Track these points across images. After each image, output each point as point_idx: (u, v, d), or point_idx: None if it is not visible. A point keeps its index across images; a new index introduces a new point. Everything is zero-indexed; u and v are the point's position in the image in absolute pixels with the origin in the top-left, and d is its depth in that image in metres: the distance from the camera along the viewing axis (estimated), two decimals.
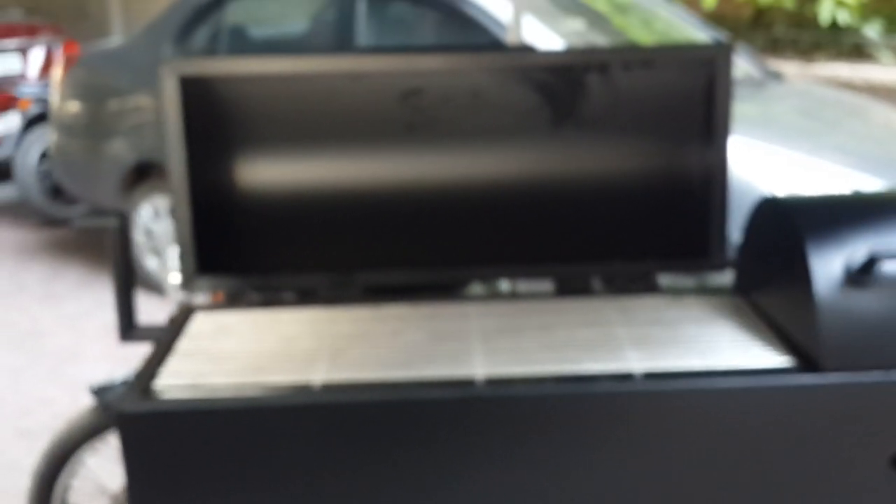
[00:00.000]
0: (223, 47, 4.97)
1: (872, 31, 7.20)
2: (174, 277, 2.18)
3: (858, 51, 7.09)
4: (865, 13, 7.37)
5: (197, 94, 1.84)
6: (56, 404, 3.93)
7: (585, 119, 1.91)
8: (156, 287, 5.18)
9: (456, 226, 1.93)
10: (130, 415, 1.48)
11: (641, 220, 1.94)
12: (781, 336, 1.68)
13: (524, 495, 1.54)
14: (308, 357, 1.64)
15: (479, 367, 1.59)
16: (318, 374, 1.57)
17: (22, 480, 3.19)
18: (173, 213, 1.90)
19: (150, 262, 5.17)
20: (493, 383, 1.54)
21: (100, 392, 2.42)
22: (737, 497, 1.57)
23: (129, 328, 1.93)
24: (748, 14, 7.85)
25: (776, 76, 4.86)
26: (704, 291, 1.92)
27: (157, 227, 5.10)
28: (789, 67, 6.57)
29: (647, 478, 1.55)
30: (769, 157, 3.66)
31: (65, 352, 4.45)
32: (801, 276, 1.58)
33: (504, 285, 2.24)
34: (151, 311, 5.01)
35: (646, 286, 1.95)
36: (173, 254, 5.00)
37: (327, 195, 1.91)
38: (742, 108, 4.16)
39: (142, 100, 5.04)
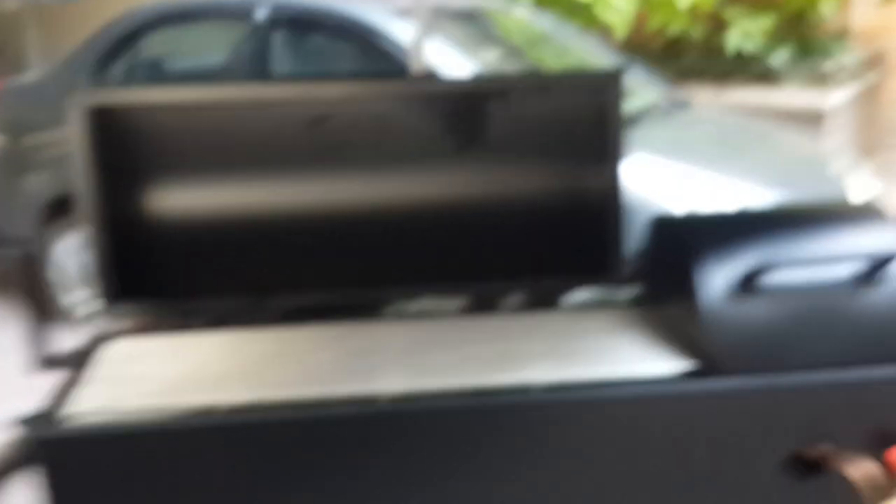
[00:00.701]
0: (140, 80, 4.98)
1: (777, 58, 7.48)
2: (83, 307, 2.20)
3: (766, 77, 7.36)
4: (772, 41, 7.66)
5: (106, 124, 1.86)
6: None
7: (488, 143, 1.98)
8: (72, 321, 5.13)
9: (368, 248, 1.98)
10: (42, 440, 1.50)
11: (545, 240, 2.02)
12: (679, 344, 1.76)
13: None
14: (218, 379, 1.67)
15: (386, 383, 1.64)
16: (226, 395, 1.60)
17: None
18: (89, 240, 1.91)
19: (69, 297, 5.12)
20: (398, 399, 1.59)
21: (29, 423, 2.42)
22: (637, 501, 1.64)
23: (40, 358, 1.92)
24: (660, 44, 8.10)
25: (683, 104, 5.04)
26: (608, 305, 2.00)
27: (72, 262, 5.06)
28: (701, 95, 6.79)
29: (550, 487, 1.60)
30: (675, 178, 3.80)
31: None
32: (688, 287, 1.66)
33: (415, 305, 2.30)
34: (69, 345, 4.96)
35: (551, 302, 2.03)
36: (85, 286, 4.98)
37: (240, 220, 1.95)
38: (650, 134, 4.32)
39: (58, 134, 5.02)
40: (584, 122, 1.98)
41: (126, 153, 1.89)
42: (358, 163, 1.96)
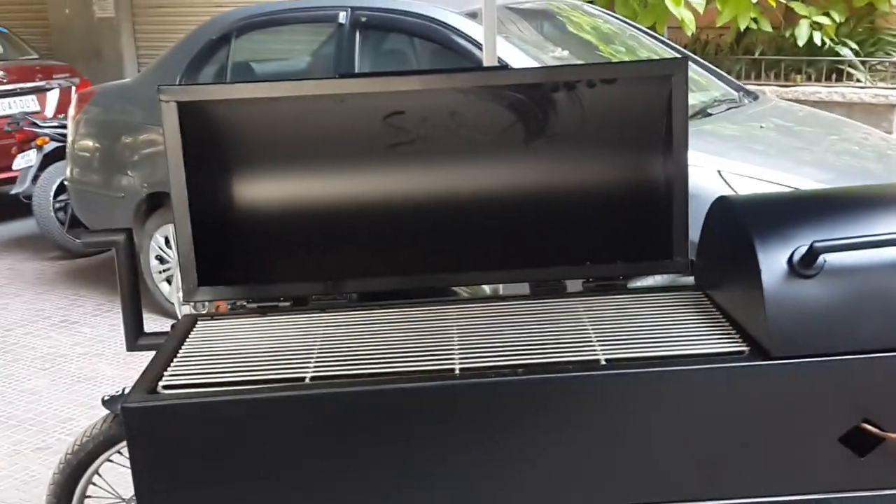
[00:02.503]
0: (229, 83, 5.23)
1: (847, 51, 7.45)
2: (178, 293, 2.36)
3: (836, 71, 7.34)
4: (840, 34, 7.63)
5: (194, 119, 1.95)
6: (74, 423, 4.15)
7: (556, 133, 2.07)
8: (167, 310, 5.42)
9: (438, 235, 2.08)
10: (135, 410, 1.58)
11: (610, 227, 2.10)
12: (736, 327, 1.81)
13: (500, 475, 1.67)
14: (300, 356, 1.77)
15: (458, 360, 1.72)
16: (309, 370, 1.70)
17: (41, 494, 3.35)
18: (176, 227, 2.01)
19: (163, 287, 5.42)
20: (470, 372, 1.66)
21: (111, 402, 2.60)
22: (693, 472, 1.70)
23: (135, 338, 2.06)
24: (729, 39, 8.11)
25: (752, 96, 5.12)
26: (668, 289, 2.07)
27: (169, 255, 5.35)
28: (770, 88, 6.82)
29: (612, 456, 1.68)
30: (742, 170, 3.89)
31: (81, 374, 4.68)
32: (750, 269, 1.70)
33: (485, 290, 2.43)
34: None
35: (615, 288, 2.10)
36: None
37: (317, 210, 2.06)
38: (721, 126, 4.42)
39: (152, 134, 5.31)
40: (651, 110, 2.03)
41: (212, 146, 2.00)
42: (430, 154, 2.05)
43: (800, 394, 1.67)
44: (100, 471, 2.66)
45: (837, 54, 7.44)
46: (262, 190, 2.06)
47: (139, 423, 1.59)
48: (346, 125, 2.03)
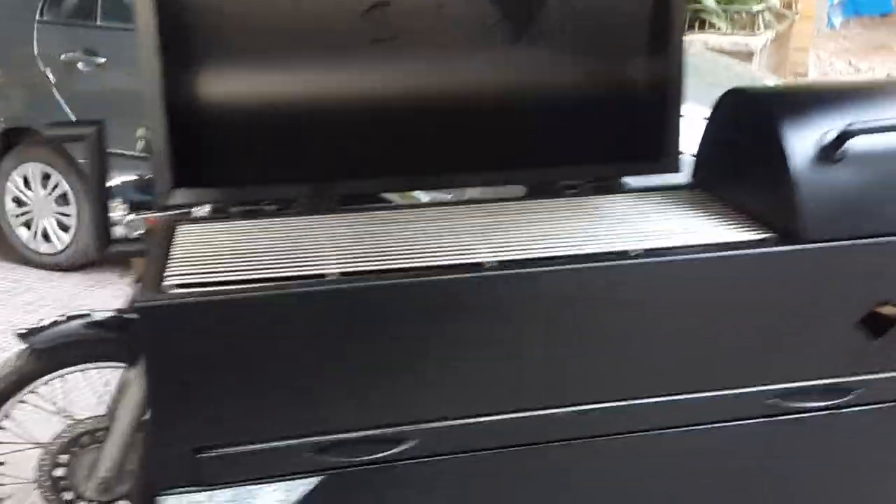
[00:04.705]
0: None
1: (710, 1, 7.71)
2: (126, 217, 2.13)
3: (699, 20, 7.58)
4: None
5: (169, 9, 1.80)
6: None
7: (546, 29, 2.00)
8: (26, 258, 4.98)
9: (426, 137, 1.98)
10: (150, 310, 1.45)
11: (603, 127, 2.05)
12: (753, 217, 1.81)
13: (530, 364, 1.62)
14: (311, 255, 1.65)
15: (486, 254, 1.64)
16: (330, 267, 1.59)
17: None
18: (147, 126, 1.85)
19: (21, 233, 4.97)
20: (502, 265, 1.60)
21: (27, 336, 2.33)
22: (721, 360, 1.70)
23: (105, 244, 1.89)
24: None
25: None
26: (665, 188, 2.04)
27: (28, 196, 4.90)
28: None
29: (648, 344, 1.66)
30: None
31: None
32: (775, 156, 1.70)
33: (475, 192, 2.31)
34: (29, 282, 4.83)
35: (609, 189, 2.06)
36: (46, 222, 4.84)
37: (300, 108, 1.92)
38: None
39: (4, 63, 4.86)
40: (644, 9, 2.00)
41: (188, 37, 1.84)
42: (416, 50, 1.95)
43: (825, 278, 1.70)
44: (11, 414, 2.37)
45: (700, 3, 7.69)
46: (242, 85, 1.90)
47: (153, 323, 1.45)
48: (328, 18, 1.90)
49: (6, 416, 2.36)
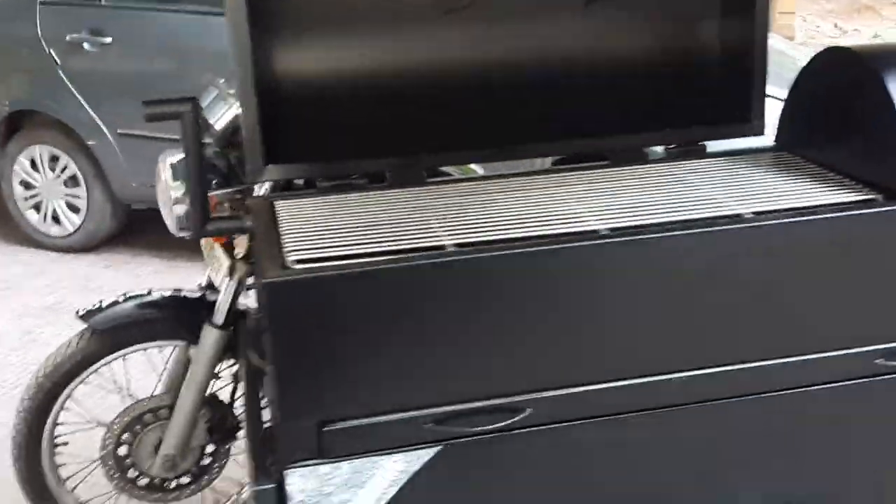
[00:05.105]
0: None
1: None
2: (177, 204, 2.12)
3: None
4: None
5: None
6: None
7: None
8: (36, 241, 4.96)
9: (511, 106, 1.97)
10: (279, 285, 1.44)
11: (687, 91, 2.03)
12: (851, 179, 1.80)
13: (646, 330, 1.62)
14: (420, 227, 1.65)
15: (594, 222, 1.63)
16: (444, 239, 1.59)
17: None
18: (240, 101, 1.81)
19: (30, 216, 4.94)
20: (618, 231, 1.59)
21: (88, 316, 2.34)
22: (835, 316, 1.70)
23: (203, 223, 1.87)
24: None
25: None
26: (748, 152, 2.01)
27: (36, 179, 4.87)
28: None
29: (762, 307, 1.66)
30: None
31: None
32: (885, 114, 1.68)
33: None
34: (41, 264, 4.82)
35: (695, 153, 2.04)
36: (56, 205, 4.81)
37: (385, 81, 1.91)
38: None
39: (9, 44, 4.81)
40: None
41: (273, 16, 1.84)
42: (497, 19, 1.94)
43: None
44: (74, 394, 2.39)
45: None
46: (329, 59, 1.89)
47: (283, 299, 1.45)
48: None
49: (69, 397, 2.38)
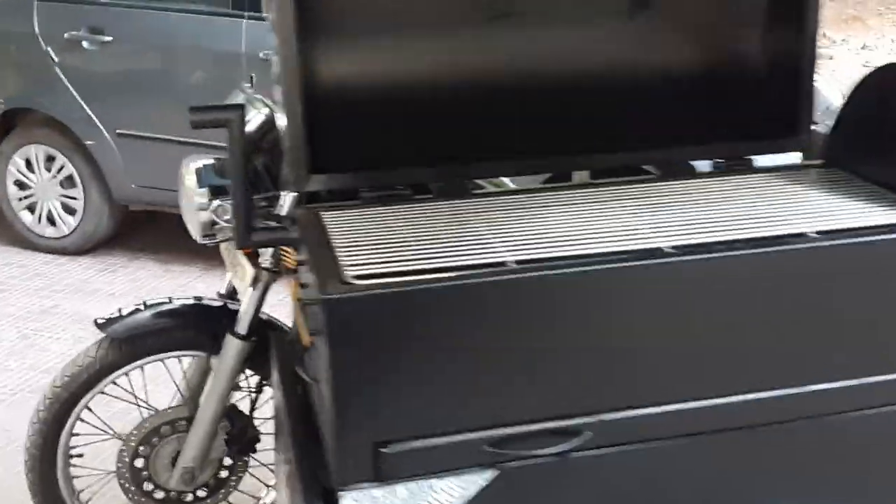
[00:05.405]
0: None
1: None
2: (212, 202, 2.07)
3: None
4: None
5: None
6: None
7: (677, 5, 1.95)
8: (30, 243, 4.87)
9: (556, 117, 1.93)
10: (341, 302, 1.40)
11: (733, 104, 2.00)
12: None
13: (709, 351, 1.59)
14: (476, 241, 1.61)
15: (658, 239, 1.59)
16: (505, 255, 1.54)
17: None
18: (286, 110, 1.76)
19: (24, 217, 4.85)
20: (684, 250, 1.55)
21: (106, 325, 2.28)
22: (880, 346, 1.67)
23: (249, 232, 1.81)
24: None
25: None
26: (795, 167, 1.99)
27: (31, 179, 4.78)
28: None
29: (829, 328, 1.63)
30: None
31: None
32: None
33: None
34: (35, 266, 4.73)
35: (742, 168, 2.01)
36: (51, 205, 4.72)
37: (431, 91, 1.88)
38: None
39: (4, 41, 4.72)
40: None
41: (324, 22, 1.80)
42: (545, 28, 1.91)
43: None
44: (90, 405, 2.32)
45: None
46: (375, 69, 1.85)
47: (343, 316, 1.40)
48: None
49: (86, 408, 2.32)
